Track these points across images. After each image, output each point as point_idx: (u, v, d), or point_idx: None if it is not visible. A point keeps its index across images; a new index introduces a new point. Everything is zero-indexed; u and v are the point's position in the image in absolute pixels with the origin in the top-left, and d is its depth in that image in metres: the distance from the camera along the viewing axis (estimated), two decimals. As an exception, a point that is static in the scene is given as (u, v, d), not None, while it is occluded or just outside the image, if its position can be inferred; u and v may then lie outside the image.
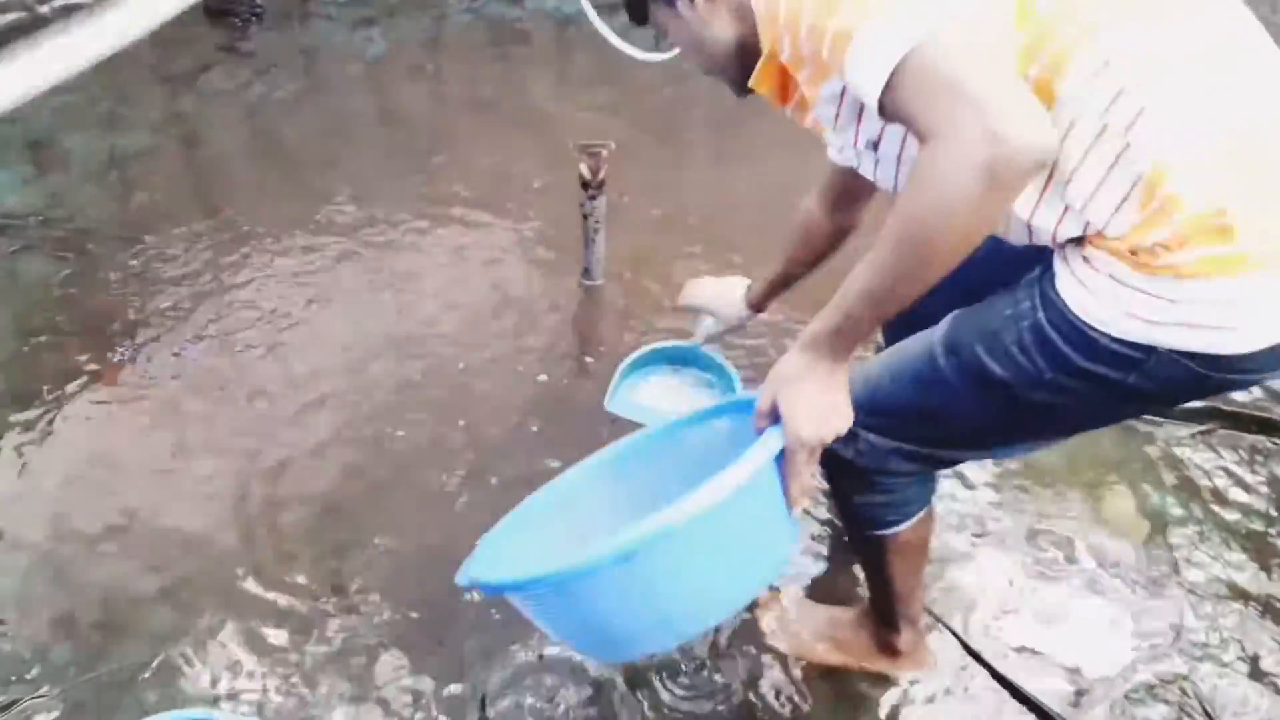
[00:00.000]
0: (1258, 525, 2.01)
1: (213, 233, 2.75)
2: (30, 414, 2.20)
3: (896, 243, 1.07)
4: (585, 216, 2.43)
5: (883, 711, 1.71)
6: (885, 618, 1.70)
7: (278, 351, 2.39)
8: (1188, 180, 1.06)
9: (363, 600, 1.86)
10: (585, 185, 2.35)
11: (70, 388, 2.26)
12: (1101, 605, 1.88)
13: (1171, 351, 1.13)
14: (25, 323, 2.42)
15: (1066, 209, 1.14)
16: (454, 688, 1.72)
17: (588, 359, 2.38)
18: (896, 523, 1.51)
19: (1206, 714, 1.70)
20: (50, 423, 2.18)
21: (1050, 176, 1.13)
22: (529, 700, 1.70)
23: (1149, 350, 1.14)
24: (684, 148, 3.23)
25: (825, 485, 1.27)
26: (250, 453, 2.13)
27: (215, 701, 1.70)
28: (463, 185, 2.95)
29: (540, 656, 1.76)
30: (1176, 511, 2.04)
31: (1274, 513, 2.04)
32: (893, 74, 1.02)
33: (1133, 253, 1.10)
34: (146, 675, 1.73)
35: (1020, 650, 1.80)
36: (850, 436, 1.32)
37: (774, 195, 2.92)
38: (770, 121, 3.26)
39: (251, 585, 1.88)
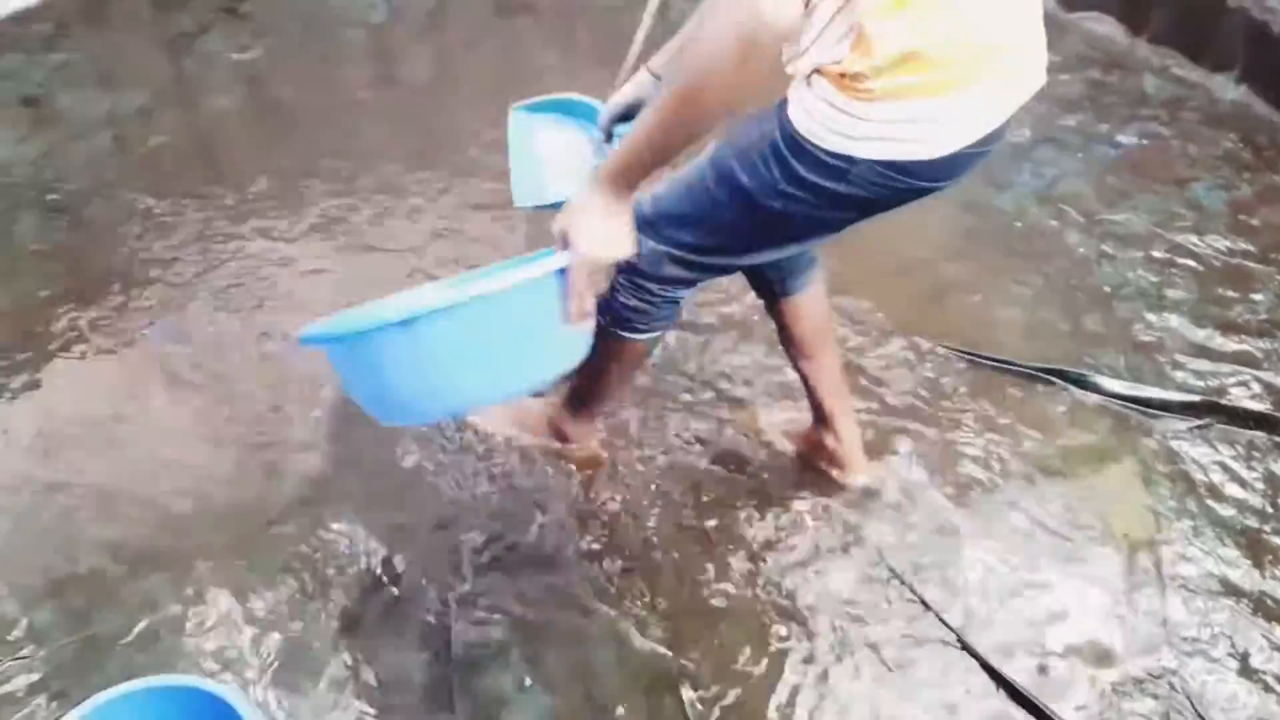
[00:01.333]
0: (1252, 522, 2.00)
1: (205, 193, 2.72)
2: (15, 376, 2.18)
3: (672, 95, 1.29)
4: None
5: (868, 691, 1.70)
6: (572, 405, 2.00)
7: (268, 309, 2.36)
8: (887, 30, 1.30)
9: (350, 564, 1.85)
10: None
11: (54, 346, 2.24)
12: (1092, 597, 1.87)
13: (868, 160, 1.40)
14: (13, 281, 2.39)
15: (804, 49, 1.37)
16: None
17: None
18: (642, 331, 1.77)
19: (1195, 710, 1.69)
20: (36, 383, 2.16)
21: None
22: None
23: (850, 160, 1.41)
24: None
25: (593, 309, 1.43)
26: (242, 416, 2.11)
27: (200, 668, 1.69)
28: (458, 150, 2.92)
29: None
30: (1171, 505, 2.03)
31: (1269, 509, 2.02)
32: None
33: (842, 77, 1.35)
34: (130, 640, 1.72)
35: (1009, 640, 1.79)
36: (655, 244, 1.61)
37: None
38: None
39: (241, 552, 1.86)
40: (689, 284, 1.71)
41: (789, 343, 1.96)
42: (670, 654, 1.75)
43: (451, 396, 1.42)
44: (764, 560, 1.91)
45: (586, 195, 1.41)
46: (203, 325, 2.34)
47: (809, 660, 1.76)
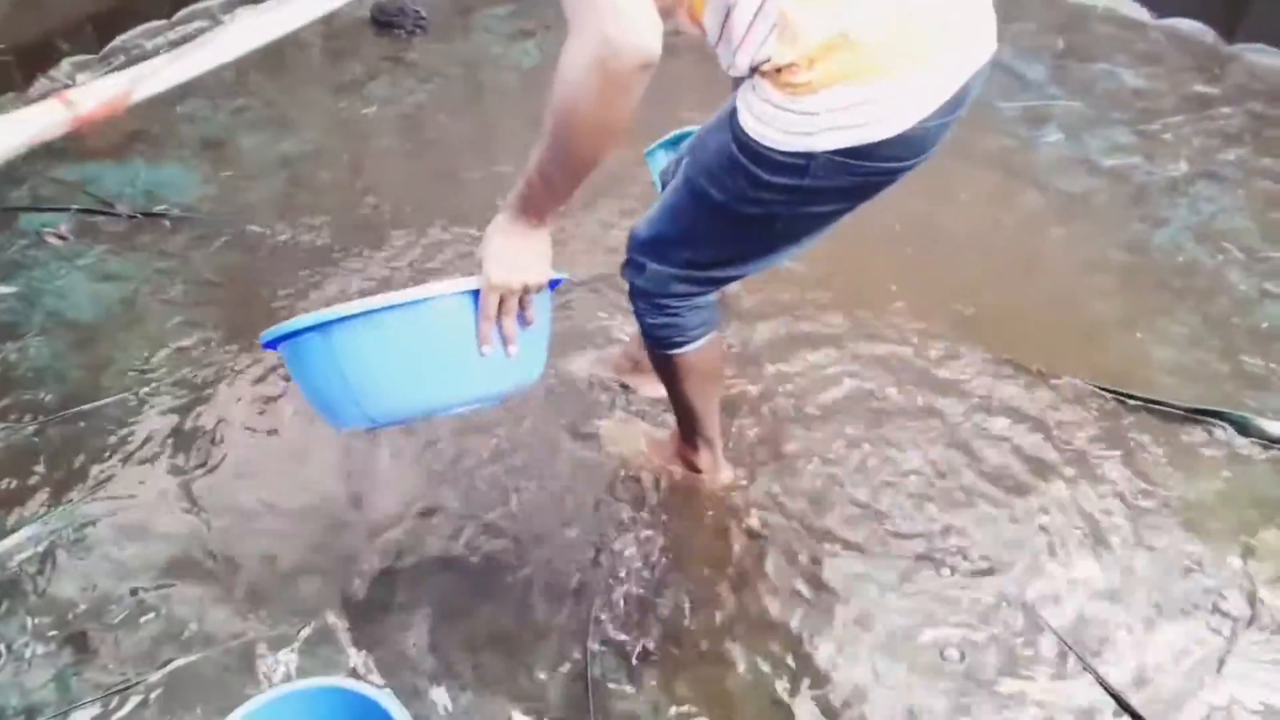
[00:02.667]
0: None
1: (368, 230, 2.87)
2: (192, 398, 2.34)
3: (548, 130, 1.29)
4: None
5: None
6: (685, 435, 2.04)
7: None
8: (809, 15, 1.33)
9: (499, 579, 1.91)
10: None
11: (228, 372, 2.40)
12: (1250, 654, 1.77)
13: (824, 153, 1.42)
14: (192, 314, 2.57)
15: (735, 51, 1.41)
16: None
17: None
18: (683, 344, 1.80)
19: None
20: (210, 404, 2.32)
21: (723, 27, 1.41)
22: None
23: (807, 155, 1.43)
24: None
25: (513, 335, 1.46)
26: (414, 437, 2.22)
27: (352, 672, 1.77)
28: (599, 187, 3.00)
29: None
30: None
31: None
32: None
33: (778, 73, 1.38)
34: (292, 644, 1.82)
35: (1159, 696, 1.72)
36: (639, 267, 1.71)
37: (913, 217, 2.89)
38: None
39: (396, 562, 1.96)
40: (704, 294, 1.75)
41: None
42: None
43: (375, 403, 1.47)
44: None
45: (500, 223, 1.44)
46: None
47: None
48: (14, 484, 2.10)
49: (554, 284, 1.55)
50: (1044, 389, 2.33)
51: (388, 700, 1.50)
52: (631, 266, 1.75)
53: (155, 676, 1.76)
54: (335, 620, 1.86)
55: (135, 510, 2.06)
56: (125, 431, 2.23)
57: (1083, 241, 2.82)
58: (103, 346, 2.46)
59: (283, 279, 2.69)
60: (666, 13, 1.39)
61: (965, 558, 1.96)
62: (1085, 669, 1.77)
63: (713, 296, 1.78)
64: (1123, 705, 1.71)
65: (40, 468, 2.14)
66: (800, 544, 1.99)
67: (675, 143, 2.12)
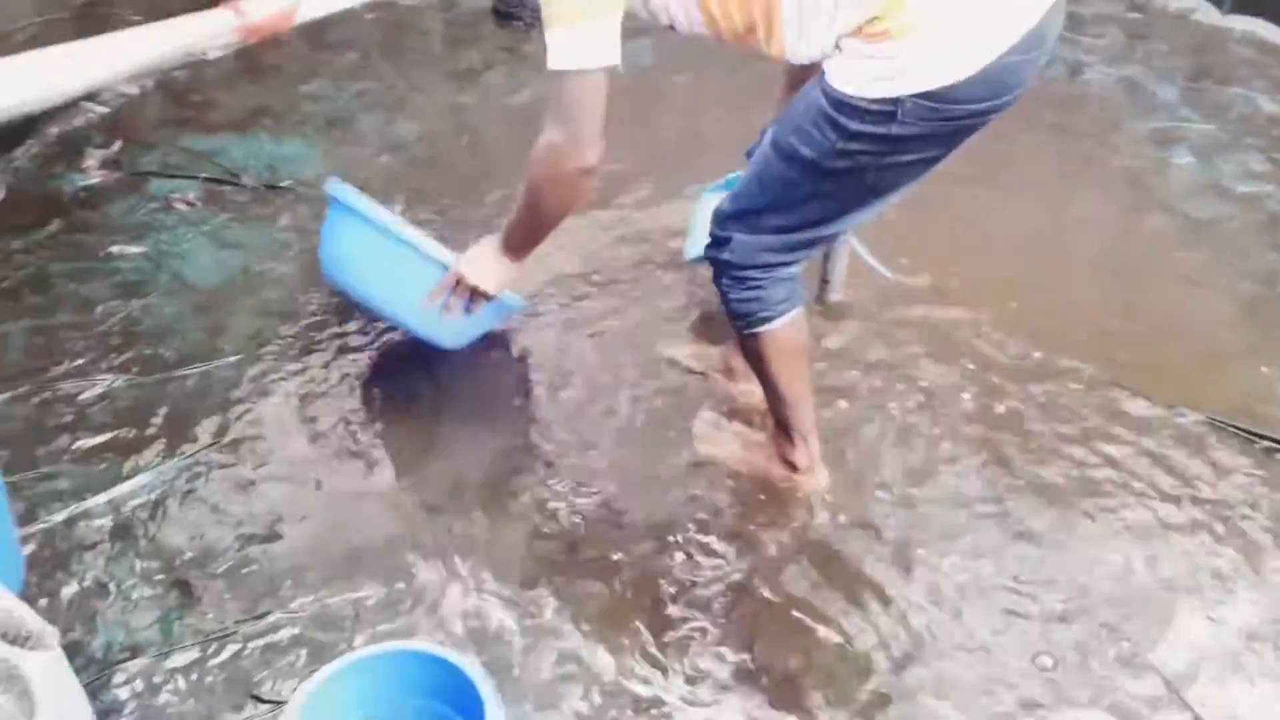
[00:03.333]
0: None
1: (466, 212, 2.92)
2: (302, 365, 2.40)
3: (520, 201, 1.82)
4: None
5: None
6: (781, 427, 2.03)
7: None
8: None
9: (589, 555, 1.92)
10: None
11: (339, 342, 2.46)
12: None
13: (910, 97, 1.52)
14: (306, 284, 2.64)
15: (826, 28, 1.56)
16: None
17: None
18: (768, 319, 1.84)
19: None
20: (320, 371, 2.38)
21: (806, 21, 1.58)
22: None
23: (894, 101, 1.53)
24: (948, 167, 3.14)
25: (451, 307, 2.02)
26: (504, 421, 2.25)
27: (440, 639, 1.79)
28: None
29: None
30: None
31: None
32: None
33: (860, 31, 1.53)
34: (382, 607, 1.86)
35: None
36: (724, 241, 1.78)
37: (1036, 234, 2.82)
38: (1037, 146, 3.16)
39: (491, 535, 1.99)
40: (790, 264, 1.80)
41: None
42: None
43: (354, 285, 2.12)
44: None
45: (491, 240, 1.95)
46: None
47: None
48: (133, 433, 2.18)
49: (512, 306, 2.18)
50: (1160, 417, 2.26)
51: (472, 667, 1.51)
52: (716, 244, 1.81)
53: (252, 628, 1.81)
54: (428, 585, 1.89)
55: (244, 467, 2.12)
56: (238, 392, 2.29)
57: (1210, 269, 2.72)
58: (221, 310, 2.54)
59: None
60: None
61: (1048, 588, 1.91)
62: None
63: (796, 269, 1.83)
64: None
65: (158, 419, 2.21)
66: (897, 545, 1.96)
67: (729, 186, 2.14)
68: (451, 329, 2.10)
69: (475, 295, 1.99)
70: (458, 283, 1.97)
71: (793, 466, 2.07)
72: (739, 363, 2.18)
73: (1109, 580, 1.92)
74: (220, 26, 3.40)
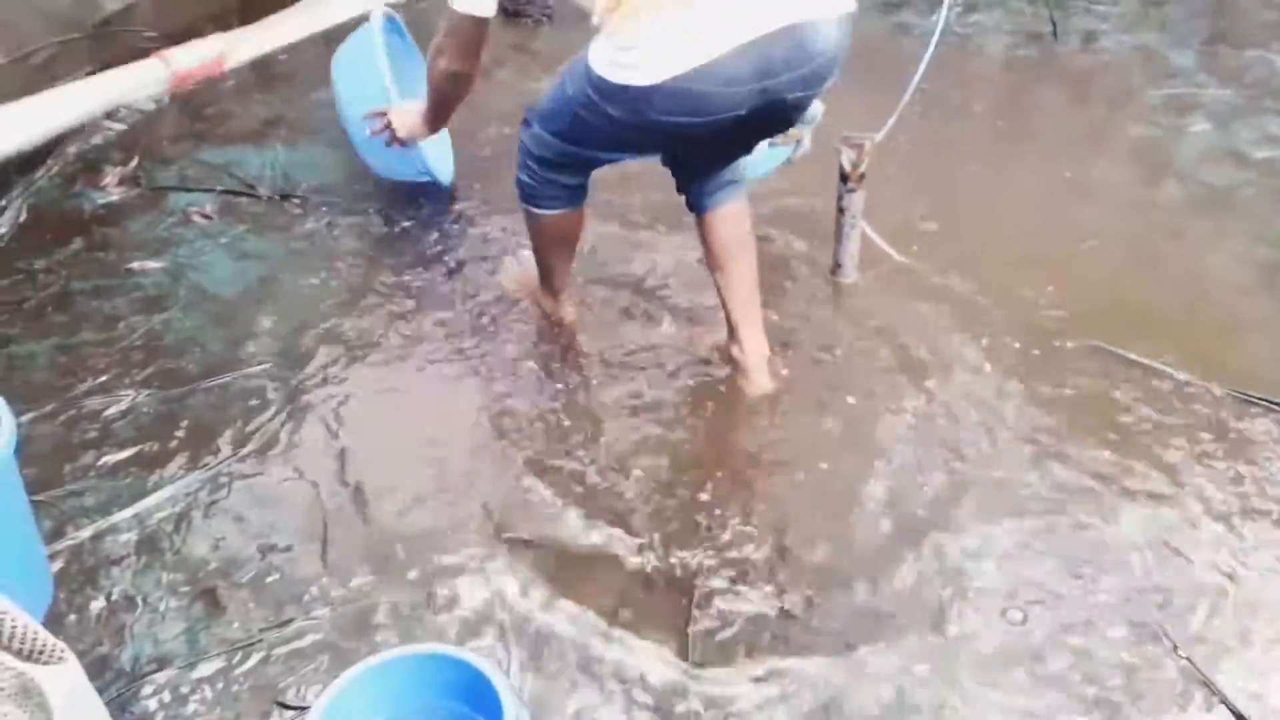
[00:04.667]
0: None
1: (480, 208, 2.96)
2: (323, 374, 2.44)
3: (428, 79, 2.33)
4: (841, 210, 2.40)
5: None
6: (541, 281, 2.50)
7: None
8: None
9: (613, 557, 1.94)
10: (844, 178, 2.33)
11: (358, 349, 2.49)
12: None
13: (621, 86, 1.87)
14: (323, 292, 2.68)
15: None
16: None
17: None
18: (537, 205, 2.25)
19: None
20: (341, 380, 2.41)
21: None
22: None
23: (613, 86, 1.88)
24: (962, 139, 3.13)
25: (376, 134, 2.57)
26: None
27: (461, 643, 1.82)
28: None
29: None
30: None
31: None
32: None
33: (611, 12, 1.86)
34: (409, 610, 1.89)
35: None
36: (528, 124, 2.18)
37: (1051, 204, 2.80)
38: (1052, 115, 3.13)
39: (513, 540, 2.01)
40: (561, 171, 2.16)
41: (706, 253, 2.29)
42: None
43: (337, 82, 2.92)
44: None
45: (420, 106, 2.47)
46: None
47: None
48: (156, 447, 2.22)
49: (424, 170, 2.82)
50: (1172, 387, 2.24)
51: (491, 669, 1.54)
52: (524, 123, 2.20)
53: (276, 635, 1.85)
54: (449, 589, 1.92)
55: (266, 477, 2.15)
56: (260, 402, 2.33)
57: (1227, 236, 2.68)
58: (241, 320, 2.58)
59: (407, 258, 2.78)
60: None
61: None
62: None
63: (568, 180, 2.19)
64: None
65: (180, 433, 2.26)
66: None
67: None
68: (375, 154, 2.83)
69: (394, 137, 2.54)
70: (387, 120, 2.53)
71: (542, 308, 2.53)
72: (743, 356, 2.29)
73: (1138, 566, 1.91)
74: (149, 77, 3.45)
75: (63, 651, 0.84)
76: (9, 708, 0.82)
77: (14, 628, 0.80)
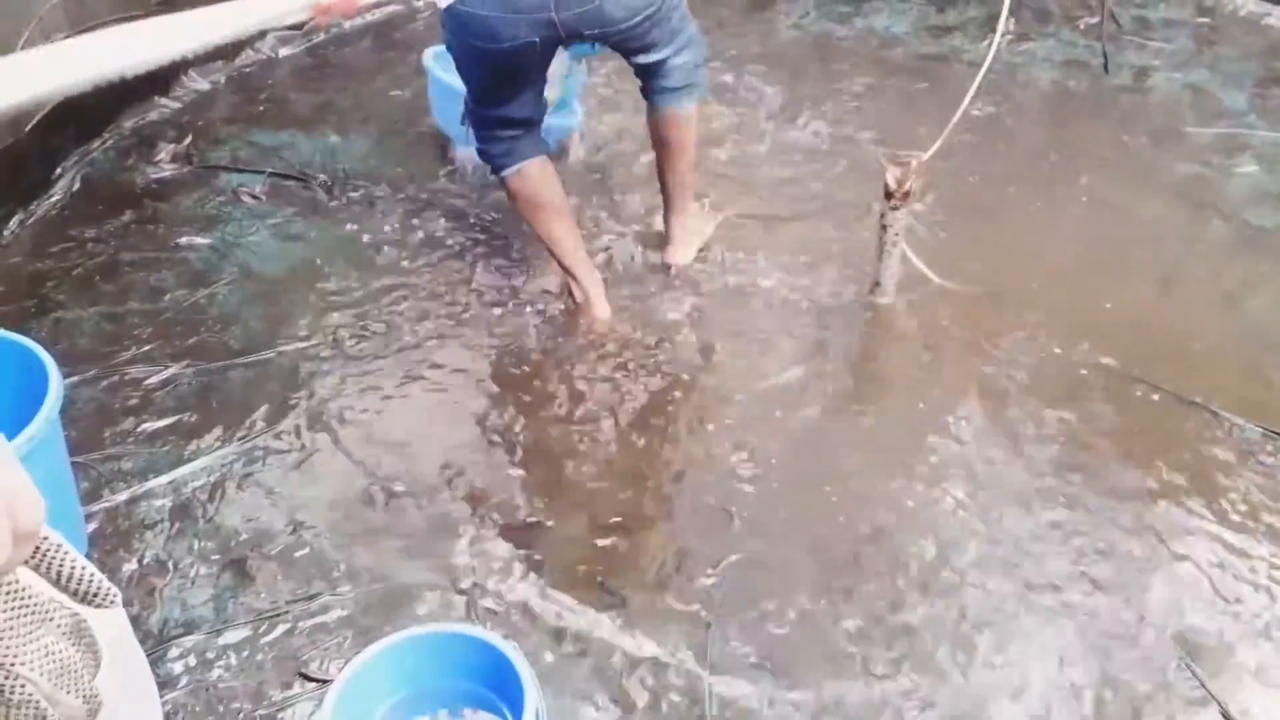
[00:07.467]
0: None
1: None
2: (361, 355, 2.47)
3: None
4: (884, 228, 2.41)
5: None
6: (559, 265, 2.56)
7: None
8: None
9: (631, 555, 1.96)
10: (889, 195, 2.33)
11: (398, 334, 2.53)
12: None
13: (446, 12, 2.07)
14: (366, 278, 2.72)
15: None
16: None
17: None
18: (500, 167, 2.43)
19: None
20: (378, 362, 2.44)
21: None
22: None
23: (444, 15, 2.11)
24: (1008, 167, 3.13)
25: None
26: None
27: (485, 625, 1.84)
28: (756, 188, 3.01)
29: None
30: None
31: None
32: None
33: None
34: (433, 589, 1.91)
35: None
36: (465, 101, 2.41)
37: (1096, 241, 2.79)
38: (1099, 151, 3.12)
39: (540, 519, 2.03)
40: (491, 127, 2.37)
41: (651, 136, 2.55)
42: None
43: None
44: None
45: None
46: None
47: None
48: (194, 418, 2.26)
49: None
50: (1216, 429, 2.23)
51: (514, 652, 1.55)
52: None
53: (302, 608, 1.88)
54: (474, 572, 1.94)
55: (300, 453, 2.19)
56: (297, 380, 2.37)
57: (1270, 279, 2.67)
58: (284, 300, 2.62)
59: (454, 250, 2.81)
60: None
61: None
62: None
63: (503, 135, 2.38)
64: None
65: (219, 405, 2.30)
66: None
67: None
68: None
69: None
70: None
71: (573, 298, 2.55)
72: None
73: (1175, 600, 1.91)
74: (297, 4, 3.50)
75: (115, 596, 0.86)
76: (64, 645, 0.84)
77: (73, 568, 0.82)
